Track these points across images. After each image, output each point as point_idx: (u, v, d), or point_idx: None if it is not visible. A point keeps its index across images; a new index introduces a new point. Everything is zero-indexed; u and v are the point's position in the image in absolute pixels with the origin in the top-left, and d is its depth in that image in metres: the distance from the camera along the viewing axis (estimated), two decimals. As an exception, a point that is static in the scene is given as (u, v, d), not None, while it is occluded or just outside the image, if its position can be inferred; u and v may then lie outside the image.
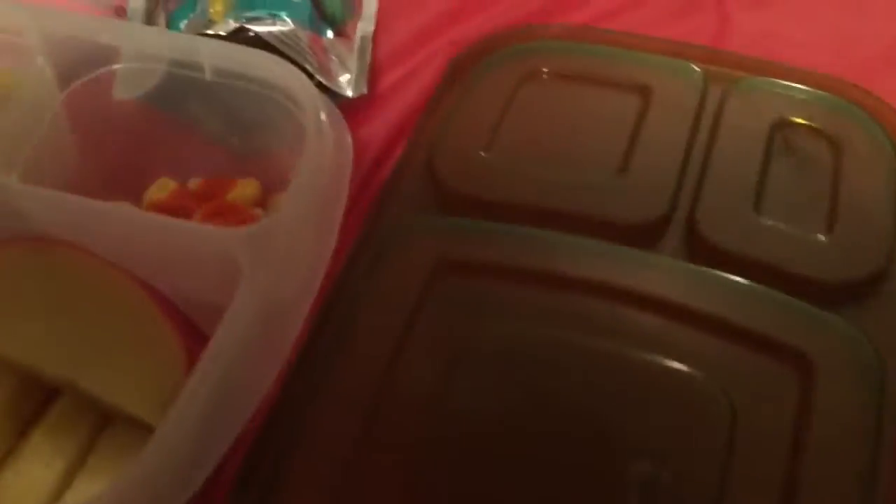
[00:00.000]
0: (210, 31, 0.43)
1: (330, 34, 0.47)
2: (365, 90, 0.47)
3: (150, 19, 0.49)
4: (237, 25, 0.43)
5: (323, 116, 0.38)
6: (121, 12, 0.52)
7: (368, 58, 0.48)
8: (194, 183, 0.46)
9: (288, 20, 0.45)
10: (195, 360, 0.31)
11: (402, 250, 0.43)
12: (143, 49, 0.41)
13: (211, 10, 0.44)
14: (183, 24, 0.46)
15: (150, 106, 0.44)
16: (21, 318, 0.33)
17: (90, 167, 0.43)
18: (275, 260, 0.34)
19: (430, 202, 0.45)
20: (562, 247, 0.42)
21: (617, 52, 0.50)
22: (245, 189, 0.45)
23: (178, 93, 0.43)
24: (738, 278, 0.41)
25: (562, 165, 0.45)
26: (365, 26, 0.50)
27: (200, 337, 0.34)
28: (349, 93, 0.45)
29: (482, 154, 0.46)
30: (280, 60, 0.40)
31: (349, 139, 0.39)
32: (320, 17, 0.47)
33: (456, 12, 0.53)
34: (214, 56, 0.40)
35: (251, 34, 0.44)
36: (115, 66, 0.43)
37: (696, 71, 0.49)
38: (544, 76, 0.49)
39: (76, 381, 0.33)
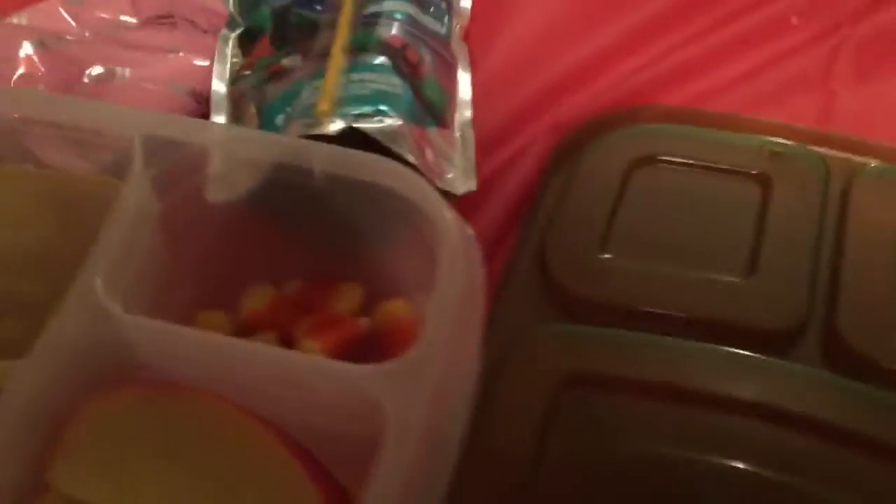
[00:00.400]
0: (317, 132, 0.40)
1: (433, 127, 0.45)
2: (474, 186, 0.44)
3: (236, 108, 0.47)
4: (345, 125, 0.40)
5: (452, 226, 0.35)
6: (197, 97, 0.50)
7: (472, 150, 0.45)
8: (292, 288, 0.43)
9: (393, 115, 0.42)
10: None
11: (523, 362, 0.40)
12: (250, 152, 0.38)
13: (317, 109, 0.41)
14: (280, 119, 0.43)
15: (245, 208, 0.41)
16: (142, 471, 0.30)
17: (184, 276, 0.40)
18: (421, 395, 0.31)
19: (545, 306, 0.42)
20: (694, 357, 0.40)
21: (729, 135, 0.47)
22: (348, 296, 0.42)
23: (280, 195, 0.40)
24: (887, 392, 0.39)
25: (685, 265, 0.42)
26: (463, 113, 0.47)
27: (337, 485, 0.31)
28: (459, 191, 0.43)
29: (599, 254, 0.43)
30: (397, 165, 0.38)
31: (477, 248, 0.36)
32: (422, 107, 0.45)
33: (552, 92, 0.50)
34: (328, 162, 0.37)
35: (359, 133, 0.41)
36: (211, 168, 0.40)
37: (814, 156, 0.46)
38: (655, 162, 0.46)
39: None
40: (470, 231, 0.37)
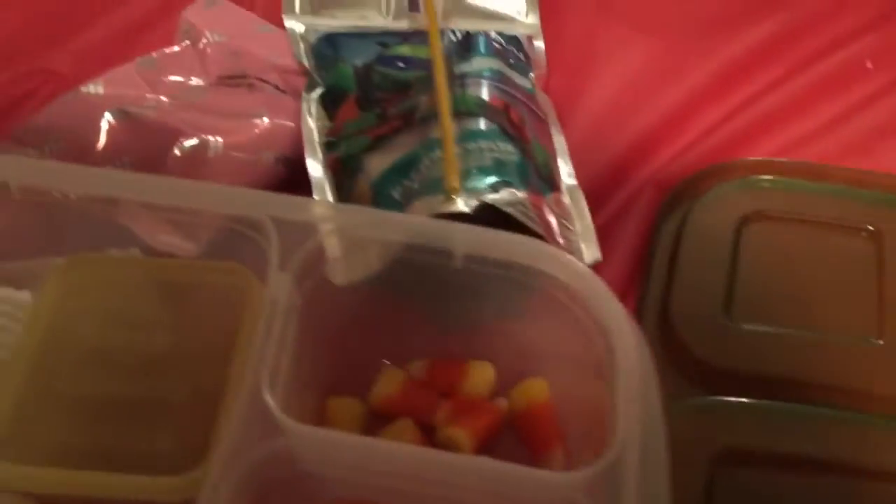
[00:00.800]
0: (451, 210, 0.39)
1: (549, 194, 0.43)
2: (600, 256, 0.42)
3: (337, 178, 0.44)
4: (479, 202, 0.39)
5: (624, 318, 0.34)
6: (287, 164, 0.47)
7: (588, 215, 0.44)
8: (418, 368, 0.41)
9: (517, 185, 0.40)
10: None
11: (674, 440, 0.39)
12: (385, 234, 0.37)
13: (448, 185, 0.39)
14: (397, 193, 0.41)
15: (372, 289, 0.39)
16: None
17: (317, 364, 0.38)
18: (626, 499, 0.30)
19: (674, 374, 0.42)
20: (843, 426, 0.39)
21: (836, 188, 0.47)
22: (480, 375, 0.40)
23: (409, 275, 0.39)
24: None
25: (809, 328, 0.42)
26: (566, 174, 0.46)
27: None
28: (588, 261, 0.41)
29: (726, 320, 0.42)
30: (550, 248, 0.36)
31: (641, 335, 0.35)
32: (535, 173, 0.43)
33: (646, 145, 0.49)
34: (472, 243, 0.36)
35: (490, 208, 0.39)
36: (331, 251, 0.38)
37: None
38: (763, 219, 0.46)
39: None
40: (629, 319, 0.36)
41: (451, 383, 0.40)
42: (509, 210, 0.39)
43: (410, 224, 0.37)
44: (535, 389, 0.39)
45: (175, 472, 0.32)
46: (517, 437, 0.39)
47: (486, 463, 0.31)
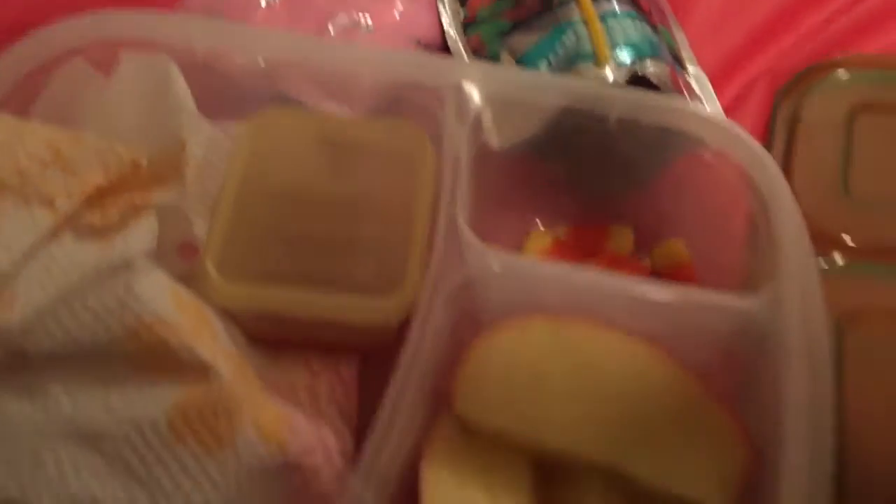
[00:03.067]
0: (603, 77, 0.41)
1: (683, 71, 0.46)
2: (732, 131, 0.46)
3: (479, 57, 0.47)
4: (631, 72, 0.41)
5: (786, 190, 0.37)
6: (425, 47, 0.50)
7: (715, 97, 0.47)
8: (562, 231, 0.44)
9: (660, 60, 0.43)
10: (748, 440, 0.31)
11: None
12: (542, 97, 0.39)
13: (599, 55, 0.41)
14: (543, 66, 0.44)
15: (526, 152, 0.42)
16: (549, 401, 0.32)
17: (478, 222, 0.41)
18: (796, 326, 0.33)
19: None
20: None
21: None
22: (621, 238, 0.43)
23: (562, 140, 0.41)
24: None
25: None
26: (688, 58, 0.48)
27: (737, 417, 0.33)
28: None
29: (843, 197, 0.45)
30: (699, 109, 0.39)
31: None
32: (668, 51, 0.46)
33: (760, 39, 0.52)
34: (626, 106, 0.39)
35: (641, 80, 0.42)
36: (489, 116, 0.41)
37: None
38: (873, 109, 0.48)
39: (621, 465, 0.31)
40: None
41: (593, 245, 0.43)
42: (658, 83, 0.42)
43: (568, 87, 0.40)
44: (677, 250, 0.42)
45: (376, 297, 0.35)
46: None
47: (668, 288, 0.34)
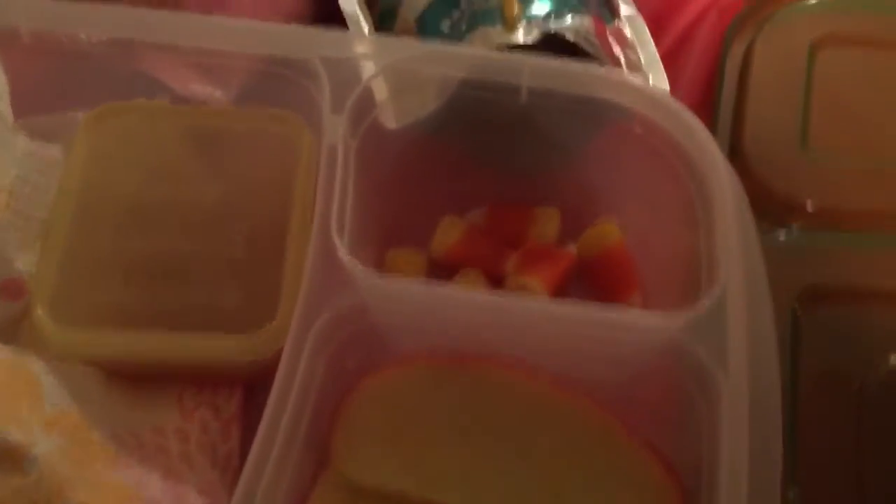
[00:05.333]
0: (512, 42, 0.35)
1: (612, 22, 0.39)
2: (667, 87, 0.40)
3: (371, 11, 0.41)
4: (543, 32, 0.35)
5: (720, 159, 0.31)
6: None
7: (651, 45, 0.40)
8: (477, 216, 0.39)
9: (581, 10, 0.37)
10: (678, 485, 0.26)
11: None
12: (442, 70, 0.33)
13: (506, 13, 0.35)
14: (446, 26, 0.37)
15: (427, 131, 0.36)
16: (440, 455, 0.27)
17: (372, 214, 0.36)
18: (734, 347, 0.28)
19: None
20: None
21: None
22: (547, 222, 0.37)
23: (467, 115, 0.35)
24: None
25: (891, 160, 0.40)
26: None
27: (662, 457, 0.28)
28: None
29: (800, 153, 0.39)
30: (620, 74, 0.33)
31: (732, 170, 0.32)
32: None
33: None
34: (538, 76, 0.33)
35: (556, 39, 0.36)
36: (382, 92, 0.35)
37: None
38: (838, 42, 0.42)
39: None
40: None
41: (515, 230, 0.37)
42: (576, 40, 0.36)
43: (471, 58, 0.34)
44: (607, 233, 0.36)
45: (243, 330, 0.30)
46: (588, 286, 0.37)
47: (577, 307, 0.29)
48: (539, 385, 0.27)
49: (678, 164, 0.33)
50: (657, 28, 0.43)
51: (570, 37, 0.36)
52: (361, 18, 0.40)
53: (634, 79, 0.34)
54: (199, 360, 0.29)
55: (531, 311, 0.28)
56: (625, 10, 0.42)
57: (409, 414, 0.27)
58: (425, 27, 0.38)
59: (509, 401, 0.27)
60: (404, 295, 0.28)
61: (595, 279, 0.37)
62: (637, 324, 0.28)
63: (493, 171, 0.38)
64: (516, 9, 0.35)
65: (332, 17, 0.41)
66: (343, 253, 0.29)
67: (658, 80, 0.40)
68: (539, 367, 0.28)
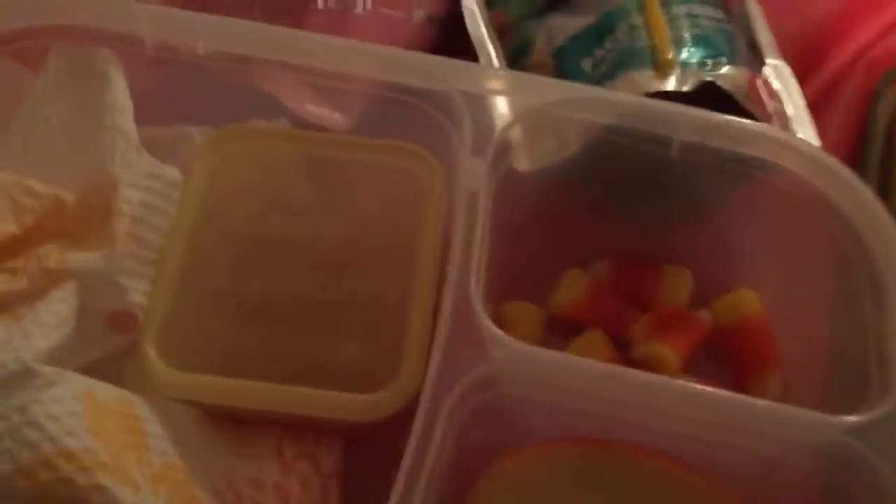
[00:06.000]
0: (665, 88, 0.32)
1: (761, 70, 0.36)
2: (817, 141, 0.36)
3: (504, 42, 0.38)
4: (699, 80, 0.32)
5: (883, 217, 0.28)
6: (435, 23, 0.41)
7: (799, 96, 0.37)
8: (601, 270, 0.36)
9: (735, 61, 0.34)
10: None
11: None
12: (587, 114, 0.31)
13: (661, 58, 0.32)
14: (587, 64, 0.35)
15: (559, 176, 0.34)
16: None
17: (494, 265, 0.33)
18: None
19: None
20: None
21: None
22: (679, 283, 0.35)
23: (610, 164, 0.33)
24: None
25: None
26: (767, 43, 0.38)
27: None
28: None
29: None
30: (779, 132, 0.31)
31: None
32: (745, 44, 0.37)
33: (847, 17, 0.43)
34: (693, 128, 0.30)
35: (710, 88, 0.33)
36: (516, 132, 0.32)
37: None
38: None
39: None
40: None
41: (642, 290, 0.35)
42: (733, 92, 0.33)
43: (622, 103, 0.31)
44: (746, 300, 0.33)
45: (363, 387, 0.27)
46: (720, 357, 0.34)
47: (742, 399, 0.26)
48: (698, 481, 0.25)
49: (835, 228, 0.31)
50: (798, 76, 0.41)
51: (727, 87, 0.33)
52: (490, 47, 0.38)
53: (791, 136, 0.31)
54: (315, 416, 0.27)
55: (684, 395, 0.25)
56: (769, 60, 0.39)
57: (538, 500, 0.25)
58: (564, 63, 0.36)
59: (654, 491, 0.25)
60: (550, 368, 0.26)
61: (730, 351, 0.34)
62: (797, 419, 0.26)
63: (624, 221, 0.35)
64: (671, 52, 0.33)
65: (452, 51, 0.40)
66: (483, 317, 0.26)
67: (806, 134, 0.37)
68: (696, 464, 0.25)
